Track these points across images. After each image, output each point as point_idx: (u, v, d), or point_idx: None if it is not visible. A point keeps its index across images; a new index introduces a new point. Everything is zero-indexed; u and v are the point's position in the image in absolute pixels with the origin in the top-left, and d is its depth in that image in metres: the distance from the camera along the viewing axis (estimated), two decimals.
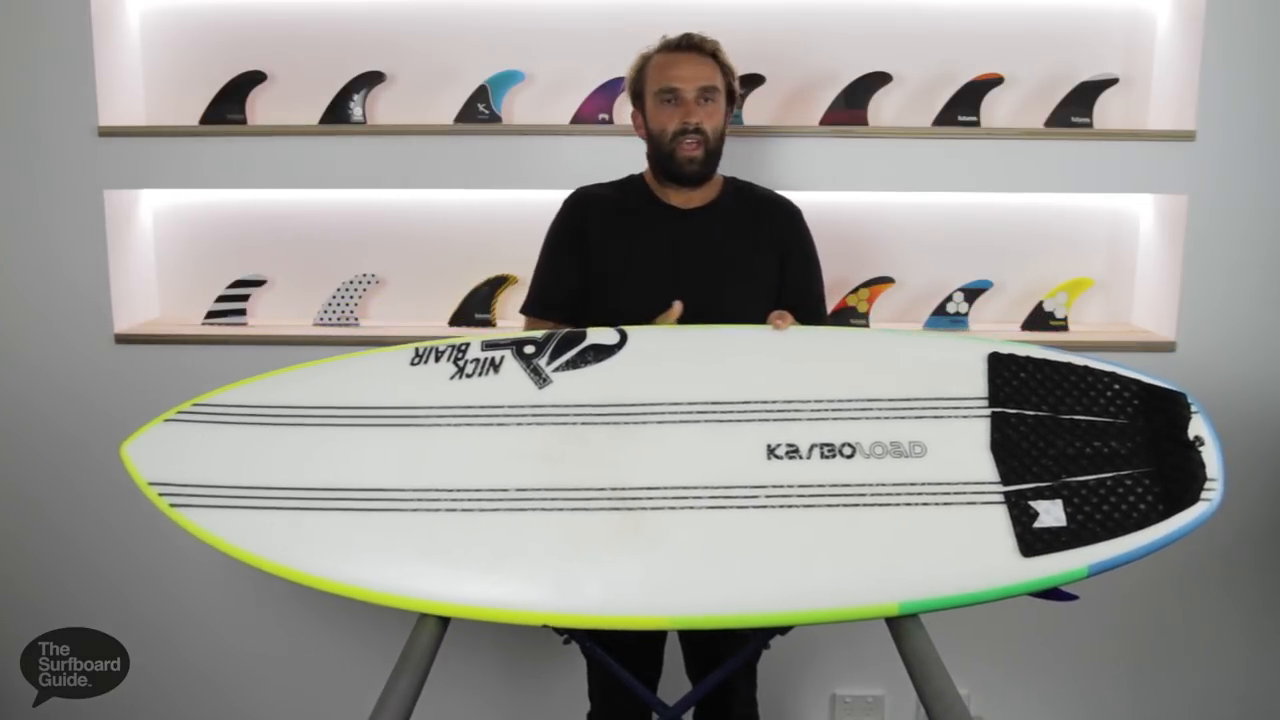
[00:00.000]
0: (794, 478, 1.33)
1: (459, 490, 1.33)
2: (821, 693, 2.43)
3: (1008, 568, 1.23)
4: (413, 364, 1.47)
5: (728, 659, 1.71)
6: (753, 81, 2.22)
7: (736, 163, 2.14)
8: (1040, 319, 2.31)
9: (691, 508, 1.31)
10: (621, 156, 2.17)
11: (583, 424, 1.38)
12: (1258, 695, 2.41)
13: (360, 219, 2.36)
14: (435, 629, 1.26)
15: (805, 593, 1.25)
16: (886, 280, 2.30)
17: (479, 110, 2.24)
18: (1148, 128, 2.30)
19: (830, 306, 2.18)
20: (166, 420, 1.41)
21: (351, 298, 2.33)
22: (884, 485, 1.33)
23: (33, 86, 2.21)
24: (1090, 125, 2.23)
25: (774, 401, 1.40)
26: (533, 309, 1.82)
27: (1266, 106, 2.18)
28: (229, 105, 2.26)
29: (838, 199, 2.26)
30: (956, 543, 1.29)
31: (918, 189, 2.24)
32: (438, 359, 1.46)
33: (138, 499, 2.35)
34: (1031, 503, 1.30)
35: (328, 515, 1.32)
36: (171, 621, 2.41)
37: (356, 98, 2.25)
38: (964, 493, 1.32)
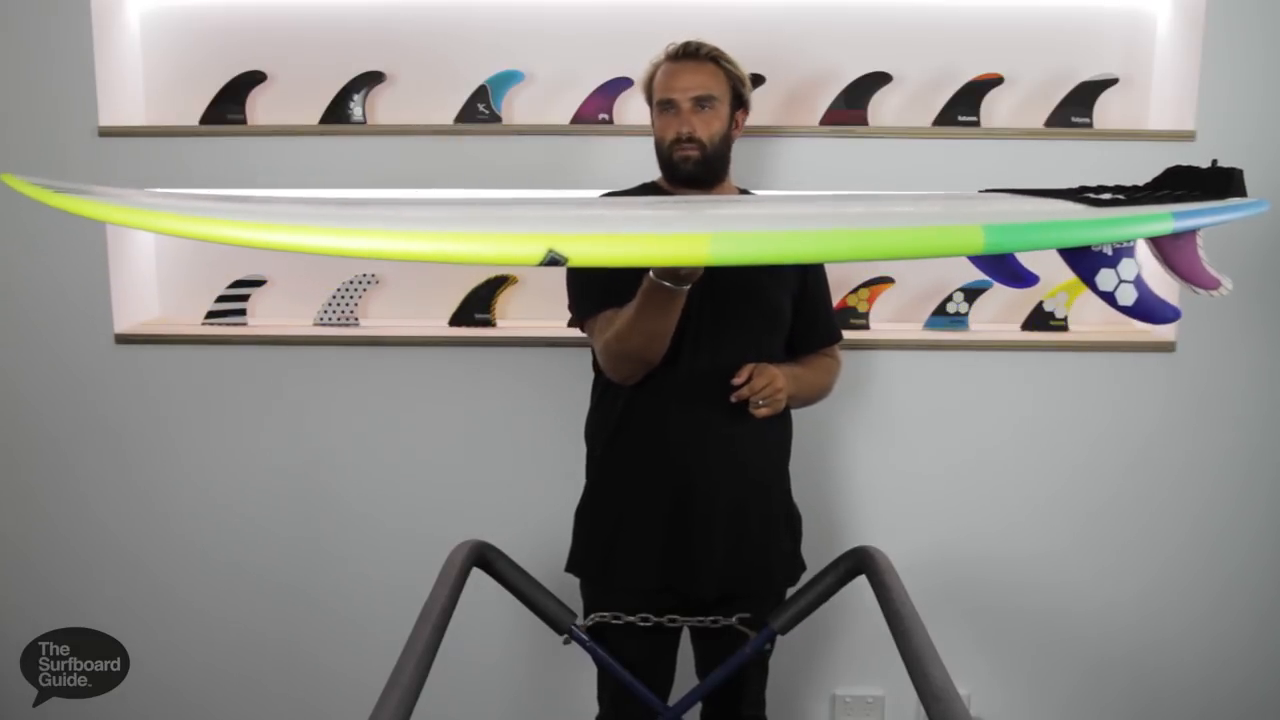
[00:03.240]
0: (825, 198, 1.32)
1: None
2: (821, 693, 2.43)
3: (1086, 213, 1.11)
4: None
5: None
6: (753, 82, 2.21)
7: (737, 163, 2.14)
8: (1040, 319, 2.31)
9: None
10: (621, 157, 2.17)
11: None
12: (1258, 693, 2.42)
13: None
14: (441, 618, 1.26)
15: (886, 218, 1.07)
16: (886, 280, 2.30)
17: (479, 110, 2.24)
18: (1148, 128, 2.30)
19: None
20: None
21: (351, 298, 2.33)
22: (926, 198, 1.27)
23: (33, 86, 2.21)
24: (1090, 125, 2.23)
25: None
26: (594, 305, 1.73)
27: (1266, 106, 2.18)
28: (229, 105, 2.26)
29: None
30: (1023, 205, 1.19)
31: (918, 189, 2.23)
32: None
33: (138, 499, 2.36)
34: (1082, 194, 1.21)
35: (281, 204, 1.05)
36: (171, 621, 2.40)
37: (356, 98, 2.25)
38: (1013, 197, 1.24)
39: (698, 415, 1.72)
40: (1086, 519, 2.35)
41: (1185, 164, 1.32)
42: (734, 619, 1.72)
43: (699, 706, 1.84)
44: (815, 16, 2.27)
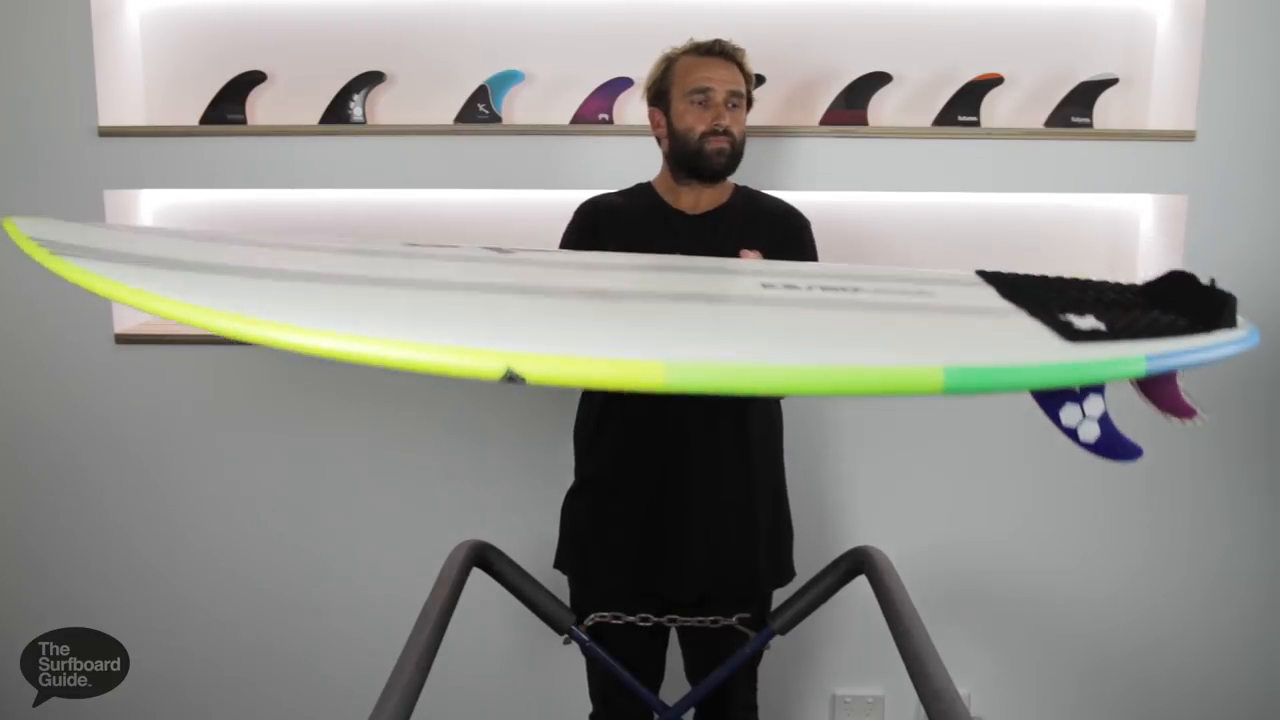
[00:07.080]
0: (793, 296, 1.15)
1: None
2: (821, 693, 2.43)
3: (1056, 349, 1.04)
4: None
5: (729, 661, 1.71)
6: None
7: None
8: None
9: (684, 299, 1.15)
10: (621, 157, 2.17)
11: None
12: (1256, 692, 2.42)
13: (360, 219, 2.37)
14: (440, 621, 1.26)
15: (839, 350, 1.01)
16: None
17: (479, 110, 2.24)
18: (1148, 128, 2.30)
19: None
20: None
21: None
22: (897, 298, 1.17)
23: (33, 86, 2.21)
24: (1090, 125, 2.23)
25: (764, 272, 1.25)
26: None
27: (1266, 106, 2.18)
28: (229, 105, 2.26)
29: (838, 199, 2.26)
30: (991, 332, 1.12)
31: (917, 189, 2.23)
32: None
33: (138, 498, 2.37)
34: (1061, 314, 1.12)
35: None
36: (172, 621, 2.41)
37: (356, 98, 2.25)
38: (987, 311, 1.17)
39: (673, 415, 1.71)
40: (1086, 518, 2.35)
41: (1187, 271, 1.25)
42: (734, 619, 1.72)
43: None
44: (815, 16, 2.28)
